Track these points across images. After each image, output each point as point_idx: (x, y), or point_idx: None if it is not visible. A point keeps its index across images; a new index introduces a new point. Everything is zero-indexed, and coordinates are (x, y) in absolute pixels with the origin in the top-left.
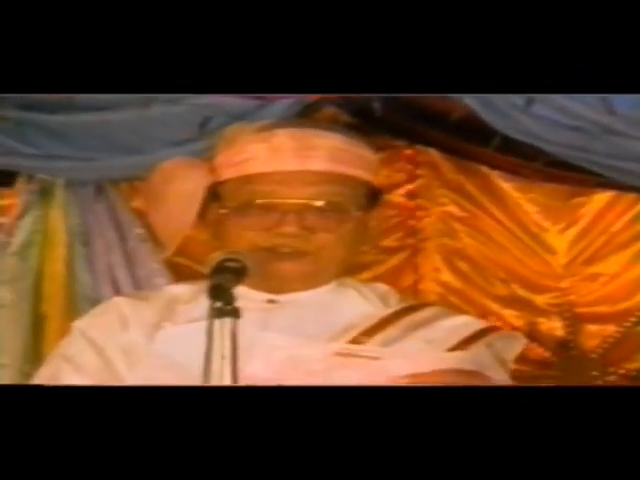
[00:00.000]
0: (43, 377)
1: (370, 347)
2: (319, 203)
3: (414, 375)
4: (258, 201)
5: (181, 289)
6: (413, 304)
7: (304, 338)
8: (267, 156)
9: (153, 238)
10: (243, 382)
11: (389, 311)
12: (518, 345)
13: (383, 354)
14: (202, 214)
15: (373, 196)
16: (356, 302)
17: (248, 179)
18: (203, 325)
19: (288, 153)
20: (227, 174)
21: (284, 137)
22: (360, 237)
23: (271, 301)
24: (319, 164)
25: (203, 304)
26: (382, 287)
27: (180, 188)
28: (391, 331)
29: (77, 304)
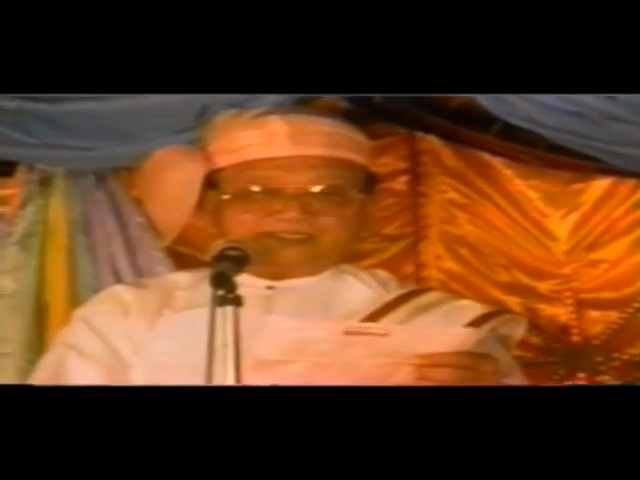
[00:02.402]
0: (48, 364)
1: (378, 324)
2: (321, 187)
3: (423, 355)
4: (259, 187)
5: (180, 276)
6: (415, 289)
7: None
8: (263, 142)
9: (153, 227)
10: (250, 365)
11: (391, 296)
12: (520, 328)
13: (391, 331)
14: (200, 202)
15: (370, 181)
16: (357, 288)
17: (246, 165)
18: (204, 311)
19: (284, 138)
20: (224, 162)
21: (278, 123)
22: (361, 221)
23: (270, 287)
24: (317, 149)
25: (202, 291)
26: (382, 273)
27: (176, 177)
28: (394, 316)
29: (79, 293)
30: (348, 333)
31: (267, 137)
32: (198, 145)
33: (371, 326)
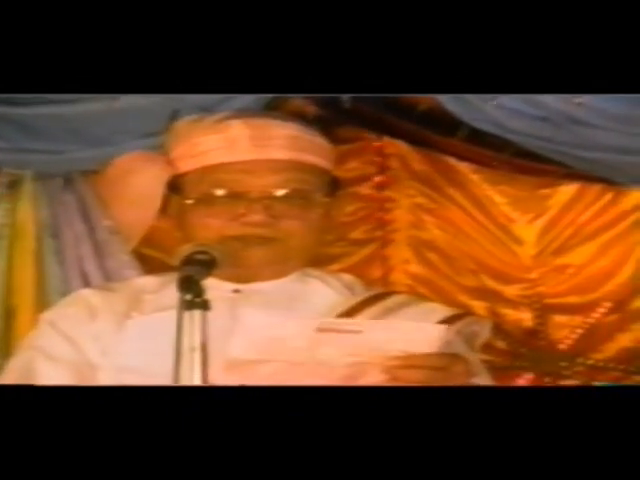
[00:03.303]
0: (14, 368)
1: (351, 321)
2: (285, 191)
3: (396, 357)
4: (223, 191)
5: (148, 280)
6: (380, 292)
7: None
8: (225, 146)
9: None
10: (223, 365)
11: (357, 299)
12: (485, 331)
13: (365, 327)
14: (163, 207)
15: (333, 185)
16: (322, 291)
17: (210, 169)
18: (172, 314)
19: (246, 142)
20: (186, 166)
21: (239, 127)
22: (325, 224)
23: (236, 291)
24: (280, 152)
25: (170, 294)
26: (347, 277)
27: (139, 182)
28: (360, 318)
29: (47, 296)
30: (321, 330)
31: (229, 141)
32: (164, 149)
33: (344, 323)
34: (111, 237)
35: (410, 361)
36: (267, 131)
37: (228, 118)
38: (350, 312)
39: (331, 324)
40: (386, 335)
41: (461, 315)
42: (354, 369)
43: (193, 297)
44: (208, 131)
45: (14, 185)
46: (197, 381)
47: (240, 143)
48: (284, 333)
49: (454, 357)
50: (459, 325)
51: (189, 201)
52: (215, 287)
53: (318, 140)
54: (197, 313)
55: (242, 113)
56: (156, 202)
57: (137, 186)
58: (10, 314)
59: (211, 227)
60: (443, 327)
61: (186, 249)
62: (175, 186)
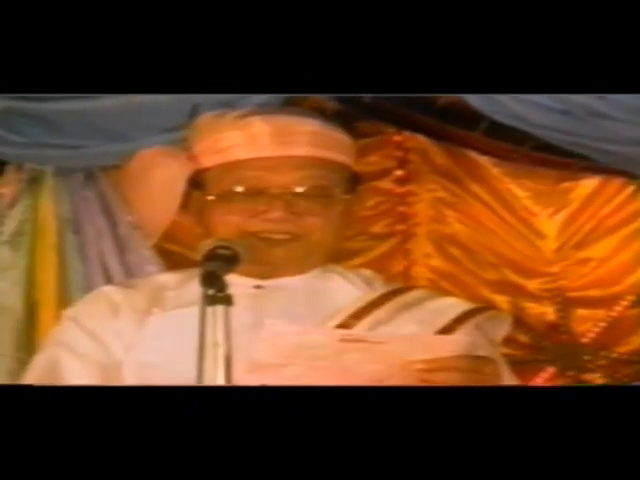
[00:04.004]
0: (40, 364)
1: (375, 333)
2: (305, 187)
3: (426, 360)
4: (244, 187)
5: (168, 277)
6: (399, 287)
7: (305, 323)
8: (246, 143)
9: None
10: (245, 367)
11: (376, 294)
12: (506, 324)
13: (387, 339)
14: (185, 203)
15: (354, 181)
16: (342, 286)
17: (232, 166)
18: (193, 310)
19: (267, 139)
20: (209, 162)
21: (261, 124)
22: (346, 221)
23: (258, 287)
24: (301, 149)
25: (190, 291)
26: (366, 272)
27: (160, 176)
28: (379, 313)
29: (69, 292)
30: (344, 340)
31: (250, 138)
32: (186, 144)
33: (367, 335)
34: (132, 232)
35: (441, 364)
36: (288, 127)
37: (250, 114)
38: (369, 307)
39: (354, 336)
40: (409, 345)
41: (480, 309)
42: (379, 374)
43: (216, 292)
44: (229, 127)
45: (35, 181)
46: (220, 376)
47: (261, 140)
48: (307, 340)
49: (483, 359)
50: (478, 319)
51: (210, 197)
52: (236, 283)
53: (338, 136)
54: (220, 308)
55: (263, 109)
56: (177, 197)
57: (158, 181)
58: (32, 309)
59: (232, 224)
60: (467, 336)
61: (208, 244)
62: (197, 182)
